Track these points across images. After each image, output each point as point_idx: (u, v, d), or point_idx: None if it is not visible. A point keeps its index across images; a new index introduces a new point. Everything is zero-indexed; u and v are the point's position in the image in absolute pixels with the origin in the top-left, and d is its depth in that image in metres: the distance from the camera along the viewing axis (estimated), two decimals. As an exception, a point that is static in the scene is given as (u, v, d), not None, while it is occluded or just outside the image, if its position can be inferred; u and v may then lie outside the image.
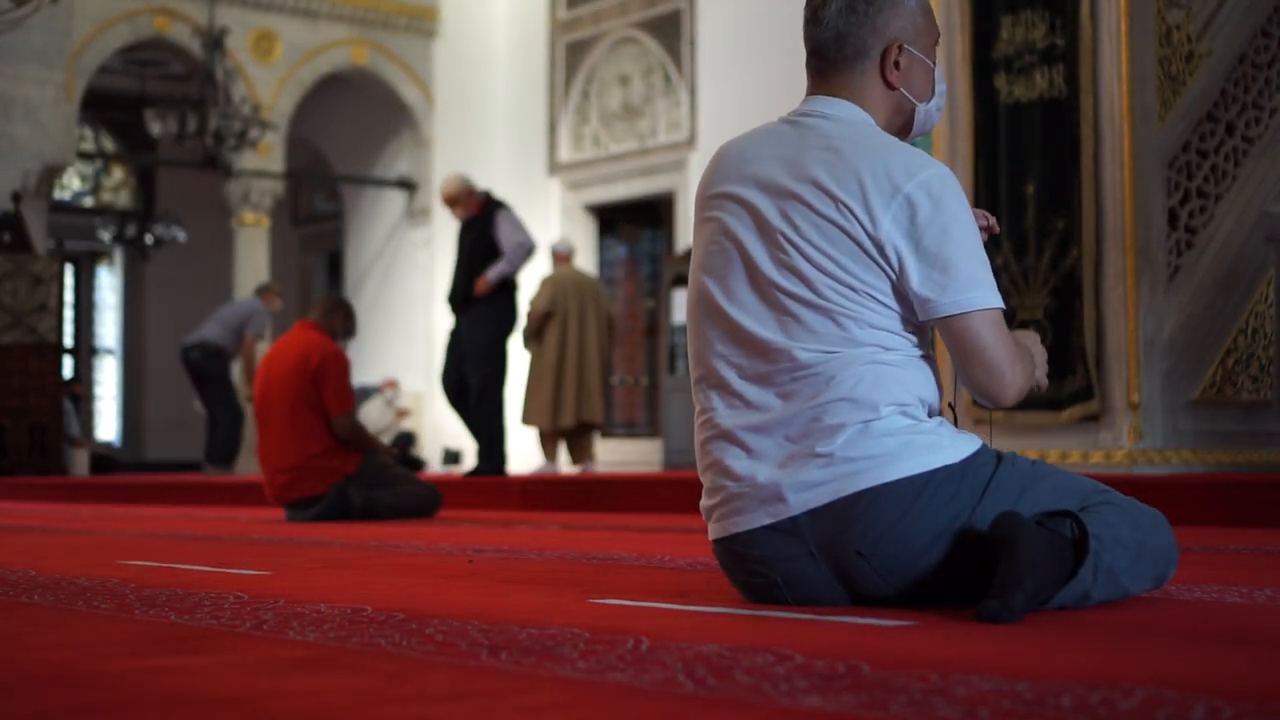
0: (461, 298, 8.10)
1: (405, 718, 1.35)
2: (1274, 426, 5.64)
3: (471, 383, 7.97)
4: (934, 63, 2.31)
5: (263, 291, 11.53)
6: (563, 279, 9.71)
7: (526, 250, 8.08)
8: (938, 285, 2.12)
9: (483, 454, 8.03)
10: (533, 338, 9.59)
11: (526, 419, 9.67)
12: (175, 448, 17.58)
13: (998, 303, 2.16)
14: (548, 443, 9.73)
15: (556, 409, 9.56)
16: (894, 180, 2.13)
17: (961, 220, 2.15)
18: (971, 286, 2.13)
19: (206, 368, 11.00)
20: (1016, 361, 2.17)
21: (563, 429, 9.67)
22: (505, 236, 8.00)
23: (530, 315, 9.53)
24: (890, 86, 2.26)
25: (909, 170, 2.14)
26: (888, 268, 2.13)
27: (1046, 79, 5.60)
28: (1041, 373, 2.27)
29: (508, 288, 8.10)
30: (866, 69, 2.25)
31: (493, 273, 7.96)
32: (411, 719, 1.35)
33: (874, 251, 2.13)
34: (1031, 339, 2.31)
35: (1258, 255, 5.63)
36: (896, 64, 2.25)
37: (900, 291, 2.14)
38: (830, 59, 2.26)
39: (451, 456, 14.61)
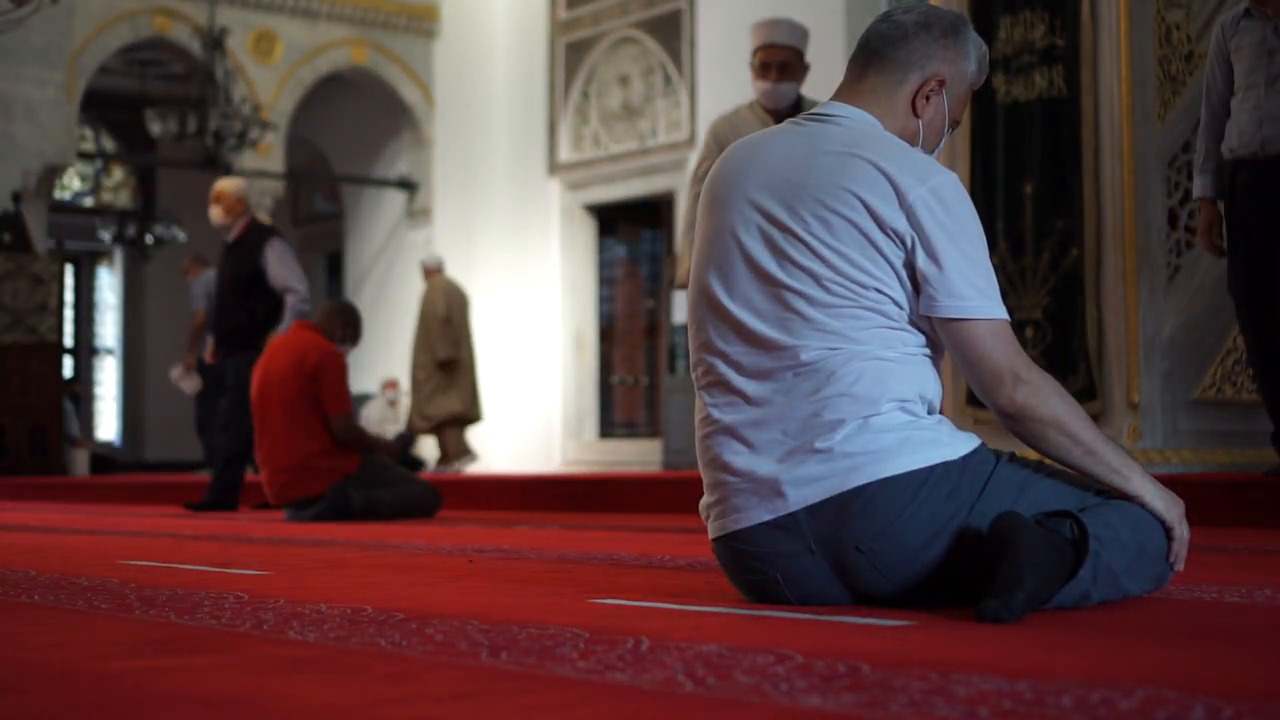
0: (229, 337, 6.90)
1: (405, 718, 1.35)
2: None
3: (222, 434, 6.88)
4: (949, 127, 2.33)
5: (190, 267, 11.09)
6: (448, 285, 11.15)
7: (301, 312, 6.66)
8: (941, 287, 2.13)
9: (219, 486, 6.88)
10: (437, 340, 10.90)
11: (461, 416, 10.94)
12: (175, 448, 17.56)
13: (1001, 314, 2.16)
14: (456, 435, 10.96)
15: (476, 403, 11.06)
16: (909, 178, 2.15)
17: (970, 230, 2.17)
18: (973, 295, 2.13)
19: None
20: (1018, 375, 2.14)
21: (471, 421, 11.10)
22: (277, 275, 6.72)
23: (427, 318, 10.92)
24: (914, 113, 2.28)
25: (923, 172, 2.16)
26: (897, 263, 2.14)
27: (1046, 79, 5.59)
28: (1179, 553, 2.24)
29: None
30: (903, 84, 2.28)
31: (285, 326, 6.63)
32: (411, 719, 1.35)
33: (884, 245, 2.14)
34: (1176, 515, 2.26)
35: (1258, 255, 5.62)
36: (928, 96, 2.28)
37: (905, 287, 2.15)
38: (878, 56, 2.28)
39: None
